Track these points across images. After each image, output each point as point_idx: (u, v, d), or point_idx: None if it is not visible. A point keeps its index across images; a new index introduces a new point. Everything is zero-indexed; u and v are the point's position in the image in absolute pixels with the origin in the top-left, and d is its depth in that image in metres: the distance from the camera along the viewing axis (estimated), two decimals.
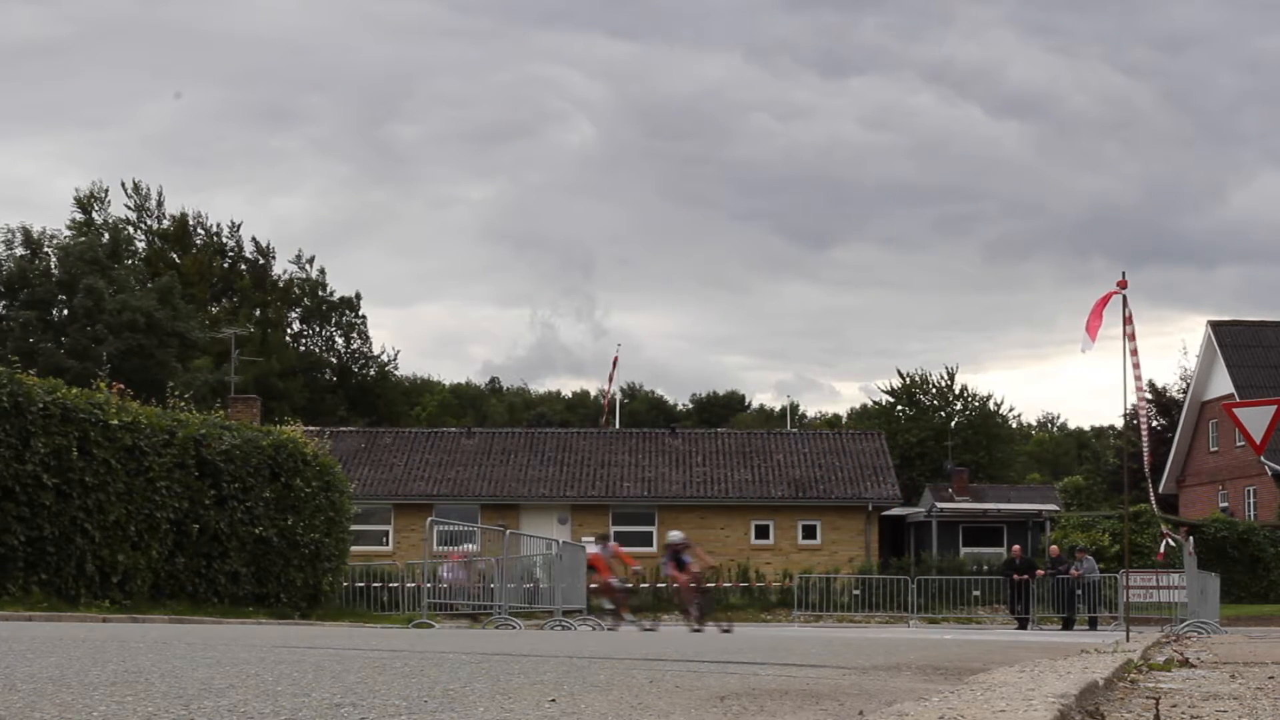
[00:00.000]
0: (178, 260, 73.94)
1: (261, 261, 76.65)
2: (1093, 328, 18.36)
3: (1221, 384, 52.14)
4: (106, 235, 69.89)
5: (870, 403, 79.27)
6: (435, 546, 24.37)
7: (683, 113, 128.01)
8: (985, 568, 40.22)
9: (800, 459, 48.10)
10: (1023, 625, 32.31)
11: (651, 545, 46.01)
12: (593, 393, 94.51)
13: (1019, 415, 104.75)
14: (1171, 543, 34.00)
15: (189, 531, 16.17)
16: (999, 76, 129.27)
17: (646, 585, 41.28)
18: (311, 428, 34.98)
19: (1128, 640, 12.11)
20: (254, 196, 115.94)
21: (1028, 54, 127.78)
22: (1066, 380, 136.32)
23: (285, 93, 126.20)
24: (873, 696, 3.01)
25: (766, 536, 46.09)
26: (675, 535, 25.02)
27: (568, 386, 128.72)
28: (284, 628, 11.43)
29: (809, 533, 46.18)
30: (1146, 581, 33.67)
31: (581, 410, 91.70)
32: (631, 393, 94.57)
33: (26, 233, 66.91)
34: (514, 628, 18.95)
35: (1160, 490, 51.62)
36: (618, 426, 57.04)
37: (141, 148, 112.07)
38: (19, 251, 66.81)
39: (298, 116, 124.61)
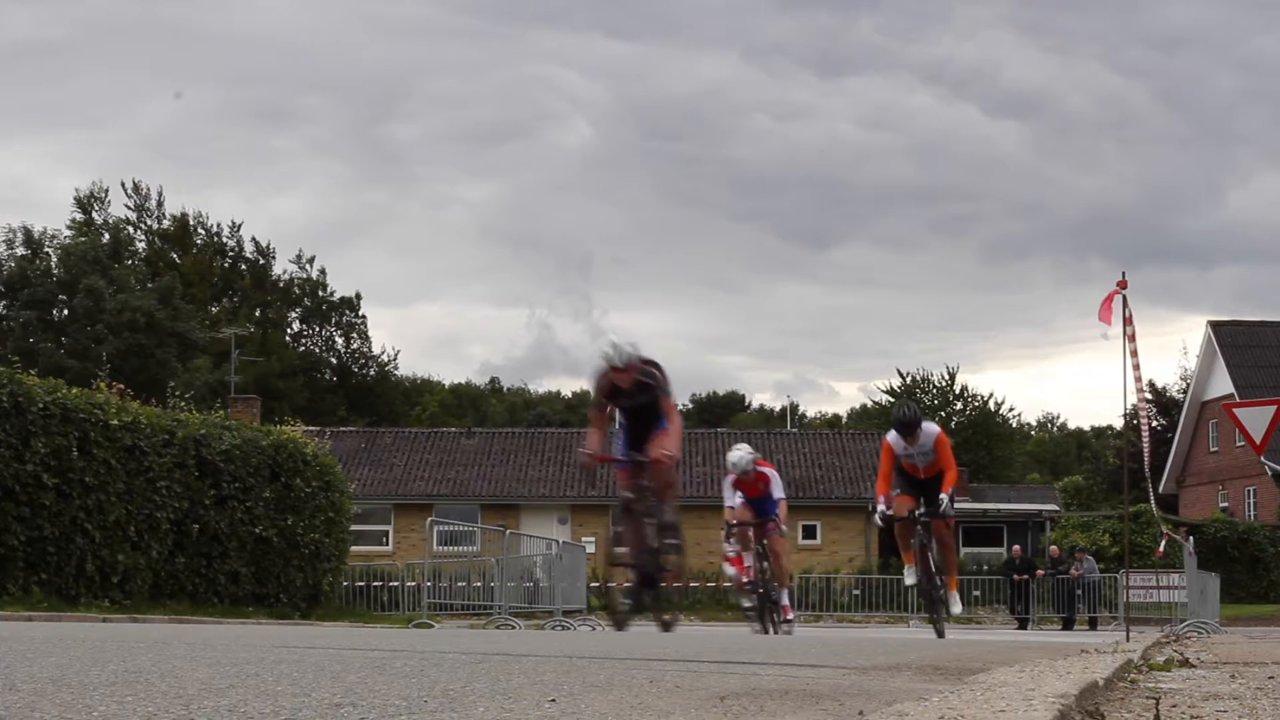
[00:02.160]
0: (178, 260, 73.98)
1: (261, 261, 76.72)
2: (1104, 315, 18.48)
3: (1221, 384, 52.16)
4: (107, 235, 69.92)
5: (870, 403, 79.36)
6: (435, 546, 24.37)
7: (680, 113, 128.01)
8: (985, 568, 40.23)
9: (800, 459, 48.10)
10: (1023, 625, 32.32)
11: None
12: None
13: (1019, 415, 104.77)
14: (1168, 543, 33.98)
15: (189, 531, 16.17)
16: (996, 76, 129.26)
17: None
18: (311, 428, 34.99)
19: (1128, 640, 12.11)
20: (253, 196, 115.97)
21: (1024, 54, 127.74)
22: (1066, 380, 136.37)
23: (283, 93, 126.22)
24: (873, 696, 3.01)
25: None
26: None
27: (565, 386, 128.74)
28: (284, 628, 11.43)
29: (809, 533, 46.19)
30: (1146, 581, 33.69)
31: (581, 410, 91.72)
32: None
33: (27, 233, 66.98)
34: (514, 628, 18.95)
35: (1160, 490, 51.64)
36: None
37: (141, 148, 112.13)
38: (19, 251, 66.86)
39: (296, 117, 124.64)
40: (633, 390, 11.93)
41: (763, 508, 15.46)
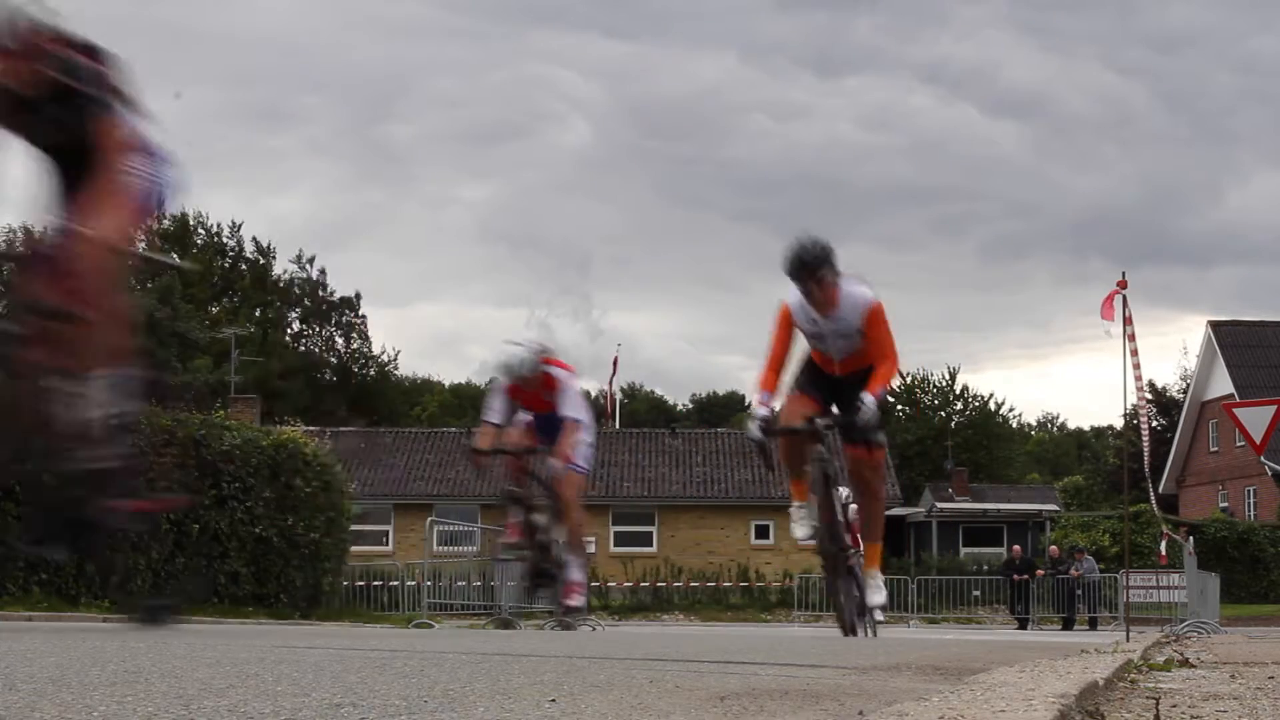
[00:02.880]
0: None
1: (262, 261, 76.76)
2: (1106, 313, 18.47)
3: (1221, 384, 52.16)
4: None
5: None
6: (435, 546, 24.36)
7: (679, 113, 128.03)
8: (985, 568, 40.24)
9: None
10: (1023, 625, 32.33)
11: (652, 545, 46.03)
12: (592, 393, 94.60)
13: (1019, 415, 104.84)
14: (1168, 543, 33.99)
15: (189, 531, 16.17)
16: (995, 77, 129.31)
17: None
18: (311, 428, 35.00)
19: (1128, 640, 12.11)
20: (252, 196, 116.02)
21: (1024, 54, 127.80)
22: (1065, 380, 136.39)
23: (282, 93, 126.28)
24: (873, 696, 3.01)
25: (766, 536, 46.06)
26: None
27: None
28: (284, 628, 11.44)
29: None
30: (1146, 581, 33.68)
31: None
32: (631, 393, 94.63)
33: (28, 233, 67.01)
34: (514, 628, 18.94)
35: (1160, 490, 51.68)
36: (618, 426, 57.07)
37: None
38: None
39: (294, 117, 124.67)
40: (38, 101, 5.53)
41: (549, 431, 10.16)
